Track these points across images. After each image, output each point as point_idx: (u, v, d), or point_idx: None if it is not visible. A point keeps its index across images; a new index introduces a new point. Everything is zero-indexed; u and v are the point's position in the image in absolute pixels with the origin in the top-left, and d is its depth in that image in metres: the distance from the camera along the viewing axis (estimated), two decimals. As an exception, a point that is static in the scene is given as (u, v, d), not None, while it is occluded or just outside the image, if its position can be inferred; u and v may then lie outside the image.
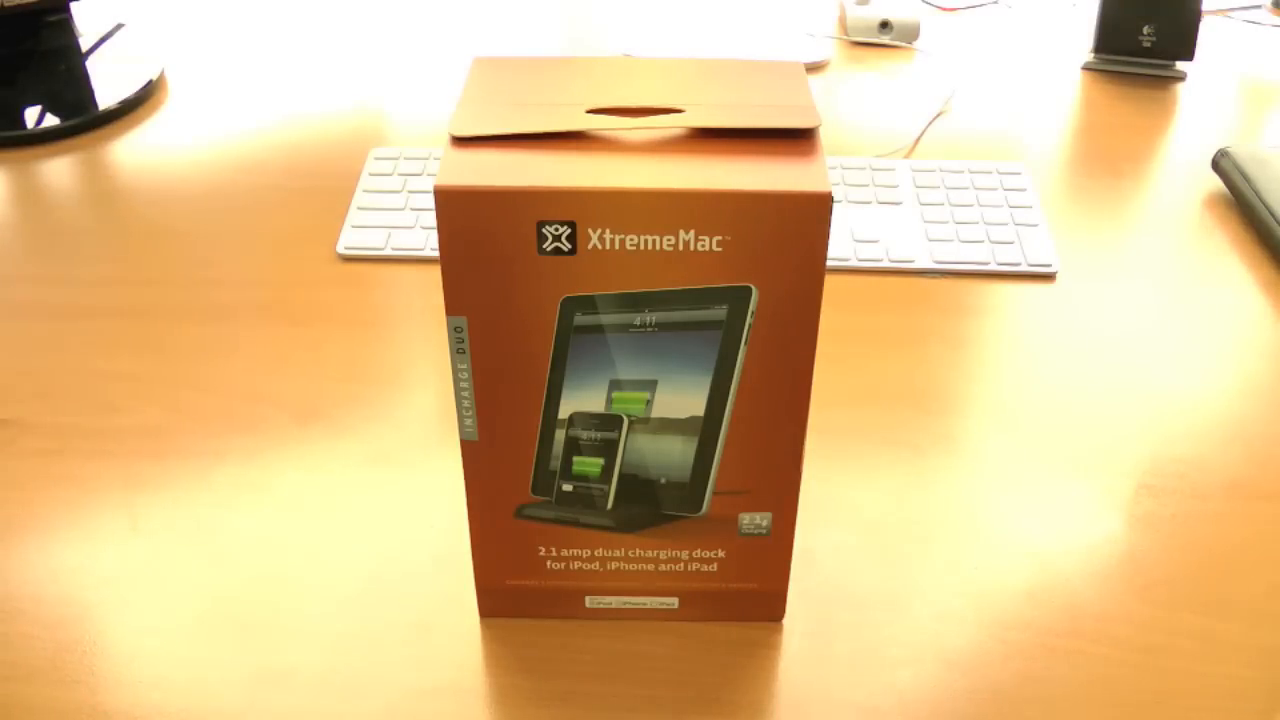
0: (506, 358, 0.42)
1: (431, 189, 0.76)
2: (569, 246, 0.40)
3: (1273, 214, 0.73)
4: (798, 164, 0.40)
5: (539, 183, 0.39)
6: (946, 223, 0.74)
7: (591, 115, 0.42)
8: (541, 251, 0.40)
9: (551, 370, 0.43)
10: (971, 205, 0.76)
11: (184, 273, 0.70)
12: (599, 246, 0.40)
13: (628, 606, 0.50)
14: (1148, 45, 0.92)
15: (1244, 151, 0.78)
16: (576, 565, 0.48)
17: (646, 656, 0.49)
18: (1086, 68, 0.95)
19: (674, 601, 0.49)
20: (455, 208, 0.39)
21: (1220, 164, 0.79)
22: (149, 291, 0.69)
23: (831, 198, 0.39)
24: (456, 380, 0.43)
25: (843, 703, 0.47)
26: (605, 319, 0.41)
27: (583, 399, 0.43)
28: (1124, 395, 0.63)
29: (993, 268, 0.71)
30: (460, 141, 0.41)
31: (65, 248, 0.72)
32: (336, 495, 0.56)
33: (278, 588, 0.51)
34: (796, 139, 0.41)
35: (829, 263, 0.71)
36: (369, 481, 0.57)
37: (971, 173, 0.79)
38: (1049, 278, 0.71)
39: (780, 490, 0.46)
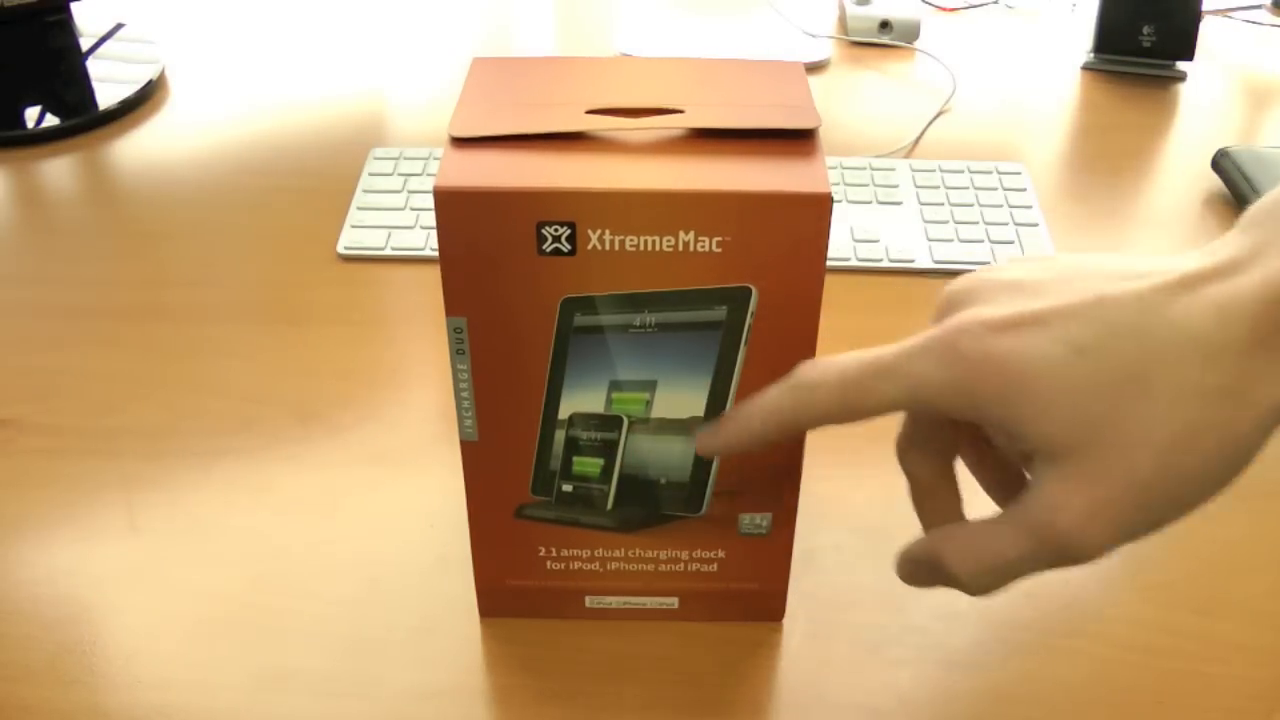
0: (506, 358, 0.42)
1: (431, 189, 0.76)
2: (569, 247, 0.40)
3: (1273, 214, 0.73)
4: (798, 164, 0.40)
5: (539, 183, 0.39)
6: (946, 222, 0.74)
7: (591, 115, 0.42)
8: (541, 252, 0.40)
9: (551, 370, 0.43)
10: (971, 205, 0.76)
11: (184, 273, 0.70)
12: (599, 247, 0.40)
13: (628, 606, 0.50)
14: (1148, 45, 0.92)
15: (1244, 151, 0.78)
16: (576, 565, 0.48)
17: (646, 656, 0.49)
18: (1086, 68, 0.95)
19: (674, 601, 0.49)
20: (455, 208, 0.39)
21: (1220, 164, 0.79)
22: (149, 291, 0.69)
23: (831, 198, 0.39)
24: (456, 380, 0.43)
25: (843, 703, 0.47)
26: (605, 319, 0.41)
27: (583, 399, 0.43)
28: (1124, 395, 0.62)
29: (993, 268, 0.71)
30: (460, 142, 0.41)
31: (65, 248, 0.72)
32: (336, 495, 0.56)
33: (277, 588, 0.51)
34: (796, 139, 0.41)
35: (829, 263, 0.71)
36: (369, 481, 0.57)
37: (971, 173, 0.79)
38: (1049, 278, 0.71)
39: (780, 490, 0.46)
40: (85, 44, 0.93)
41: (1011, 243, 0.73)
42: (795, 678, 0.48)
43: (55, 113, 0.84)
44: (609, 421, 0.44)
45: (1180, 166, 0.82)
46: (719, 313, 0.41)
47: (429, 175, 0.77)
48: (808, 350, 0.42)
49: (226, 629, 0.50)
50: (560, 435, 0.44)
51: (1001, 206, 0.76)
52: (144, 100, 0.88)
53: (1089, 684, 0.48)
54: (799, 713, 0.47)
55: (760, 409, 0.40)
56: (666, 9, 1.02)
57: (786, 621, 0.50)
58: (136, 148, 0.83)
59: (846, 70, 0.94)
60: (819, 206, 0.39)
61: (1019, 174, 0.79)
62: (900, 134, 0.85)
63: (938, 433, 0.42)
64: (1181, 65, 0.94)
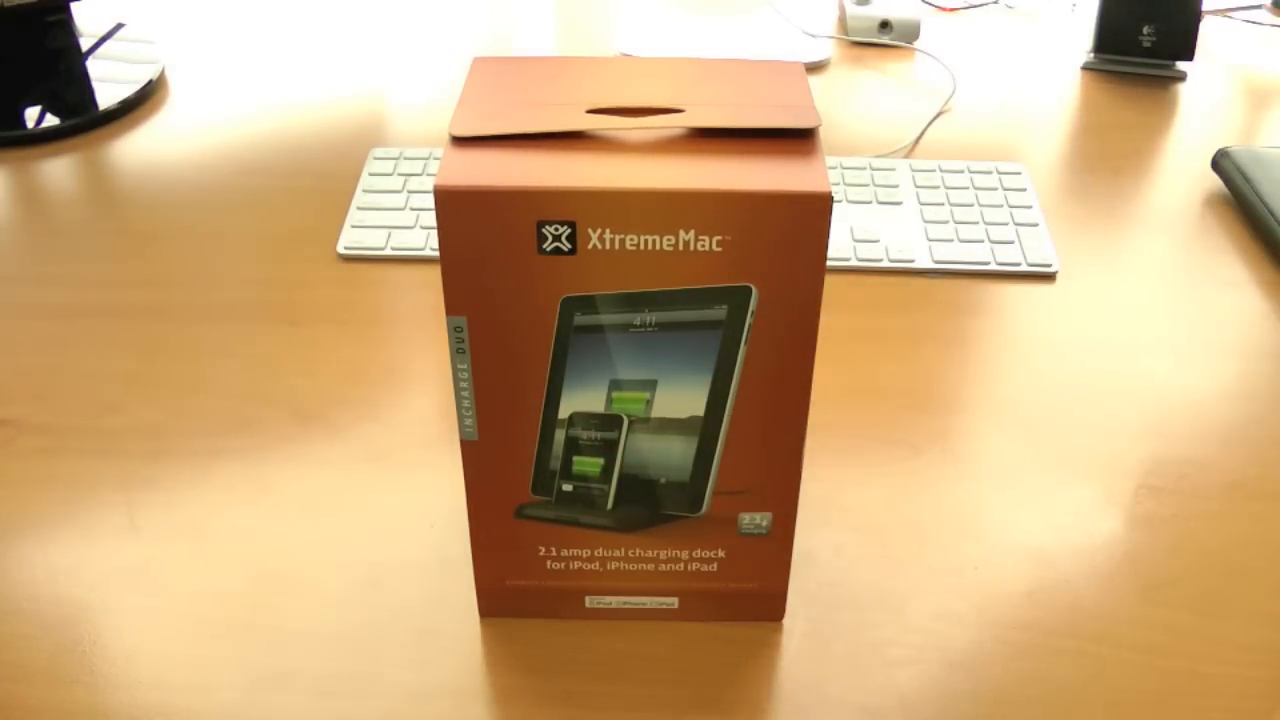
0: (506, 358, 0.42)
1: (431, 189, 0.76)
2: (569, 246, 0.40)
3: (1273, 214, 0.73)
4: (798, 164, 0.40)
5: (539, 183, 0.39)
6: (946, 222, 0.74)
7: (591, 115, 0.42)
8: (541, 251, 0.40)
9: (551, 370, 0.43)
10: (971, 205, 0.76)
11: (184, 273, 0.70)
12: (599, 246, 0.40)
13: (628, 606, 0.50)
14: (1148, 45, 0.92)
15: (1244, 151, 0.78)
16: (576, 565, 0.48)
17: (646, 656, 0.49)
18: (1086, 68, 0.95)
19: (674, 601, 0.49)
20: (455, 208, 0.39)
21: (1220, 164, 0.79)
22: (149, 291, 0.69)
23: (831, 197, 0.39)
24: (456, 380, 0.43)
25: (843, 703, 0.47)
26: (605, 319, 0.41)
27: (583, 399, 0.43)
28: (1124, 395, 0.63)
29: (993, 267, 0.71)
30: (460, 141, 0.41)
31: (65, 248, 0.72)
32: (336, 495, 0.56)
33: (277, 588, 0.51)
34: (796, 139, 0.41)
35: (829, 263, 0.71)
36: (369, 481, 0.57)
37: (971, 173, 0.79)
38: (1049, 278, 0.71)
39: (780, 490, 0.46)
40: (85, 44, 0.93)
41: (1011, 243, 0.73)
42: (795, 678, 0.48)
43: (55, 113, 0.84)
44: (609, 421, 0.44)
45: (1180, 166, 0.82)
46: (719, 312, 0.41)
47: (429, 175, 0.77)
48: (808, 350, 0.42)
49: (225, 629, 0.50)
50: (560, 435, 0.44)
51: (1001, 206, 0.76)
52: (144, 100, 0.88)
53: (1089, 684, 0.48)
54: (799, 713, 0.47)
55: None
56: (666, 9, 1.02)
57: (786, 621, 0.50)
58: (136, 148, 0.83)
59: (846, 70, 0.94)
60: (819, 206, 0.39)
61: (1019, 174, 0.79)
62: (900, 134, 0.85)
63: None
64: (1181, 65, 0.94)
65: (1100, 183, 0.80)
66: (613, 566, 0.48)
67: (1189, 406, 0.62)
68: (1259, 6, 1.06)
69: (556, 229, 0.39)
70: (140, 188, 0.78)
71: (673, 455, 0.45)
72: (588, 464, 0.45)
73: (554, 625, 0.50)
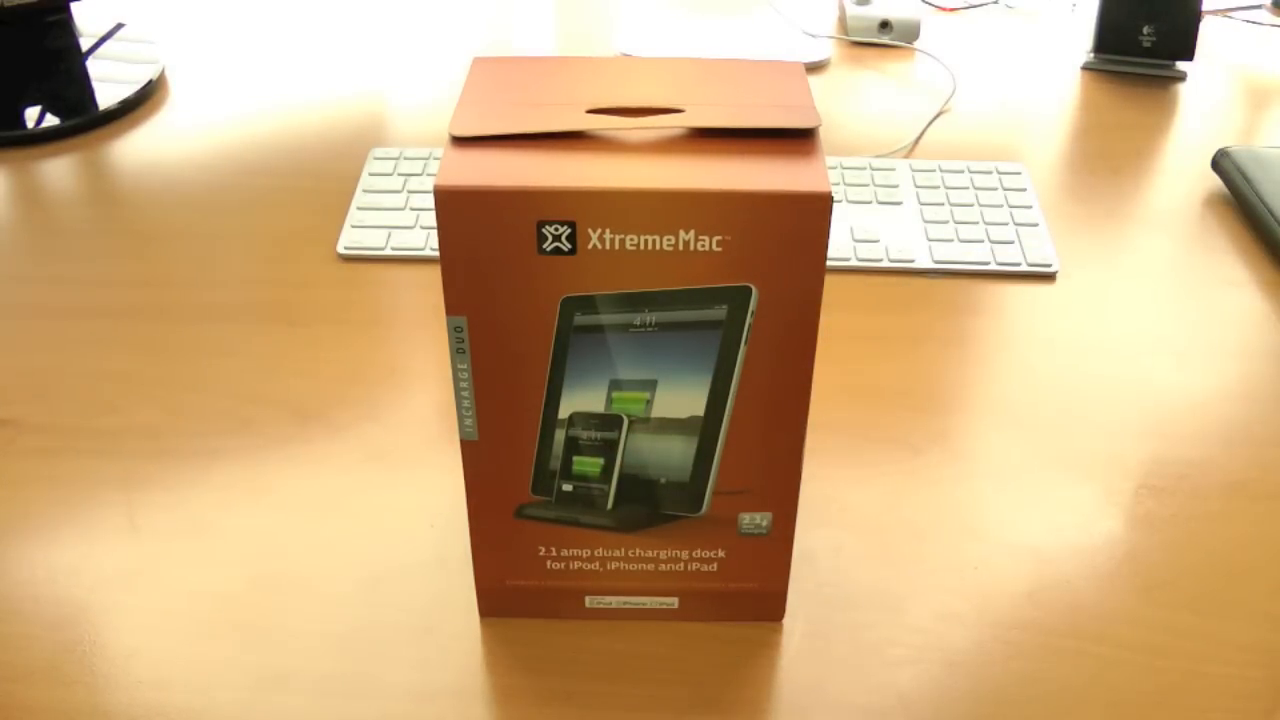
0: (506, 358, 0.42)
1: (431, 189, 0.76)
2: (569, 246, 0.40)
3: (1273, 214, 0.73)
4: (798, 164, 0.40)
5: (539, 183, 0.39)
6: (946, 222, 0.74)
7: (591, 115, 0.42)
8: (541, 251, 0.40)
9: (551, 370, 0.43)
10: (971, 205, 0.76)
11: (184, 273, 0.70)
12: (599, 246, 0.40)
13: (628, 606, 0.50)
14: (1148, 45, 0.92)
15: (1244, 151, 0.78)
16: (576, 565, 0.48)
17: (646, 656, 0.49)
18: (1086, 68, 0.95)
19: (674, 601, 0.49)
20: (455, 208, 0.39)
21: (1220, 164, 0.79)
22: (149, 291, 0.69)
23: (831, 197, 0.39)
24: (456, 380, 0.43)
25: (843, 703, 0.47)
26: (605, 319, 0.41)
27: (583, 399, 0.43)
28: (1124, 395, 0.63)
29: (993, 267, 0.71)
30: (460, 141, 0.41)
31: (65, 248, 0.72)
32: (336, 495, 0.56)
33: (277, 588, 0.51)
34: (796, 139, 0.41)
35: (829, 263, 0.71)
36: (369, 481, 0.57)
37: (971, 173, 0.79)
38: (1049, 277, 0.71)
39: (780, 490, 0.46)
40: (85, 44, 0.93)
41: (1011, 243, 0.73)
42: (795, 678, 0.48)
43: (55, 113, 0.84)
44: (609, 421, 0.44)
45: (1180, 166, 0.82)
46: (719, 312, 0.41)
47: (429, 175, 0.77)
48: (808, 350, 0.42)
49: (226, 629, 0.50)
50: (560, 435, 0.44)
51: (1001, 206, 0.76)
52: (144, 100, 0.88)
53: (1089, 684, 0.48)
54: (799, 713, 0.47)
55: None
56: (666, 9, 1.02)
57: (786, 621, 0.50)
58: (136, 148, 0.83)
59: (846, 70, 0.94)
60: (819, 206, 0.39)
61: (1019, 174, 0.79)
62: (900, 134, 0.85)
63: None
64: (1181, 65, 0.94)
65: (1100, 183, 0.80)
66: (613, 566, 0.48)
67: (1189, 406, 0.62)
68: (1259, 6, 1.06)
69: (556, 229, 0.39)
70: (140, 188, 0.78)
71: (673, 455, 0.45)
72: (588, 464, 0.45)
73: (554, 625, 0.50)
